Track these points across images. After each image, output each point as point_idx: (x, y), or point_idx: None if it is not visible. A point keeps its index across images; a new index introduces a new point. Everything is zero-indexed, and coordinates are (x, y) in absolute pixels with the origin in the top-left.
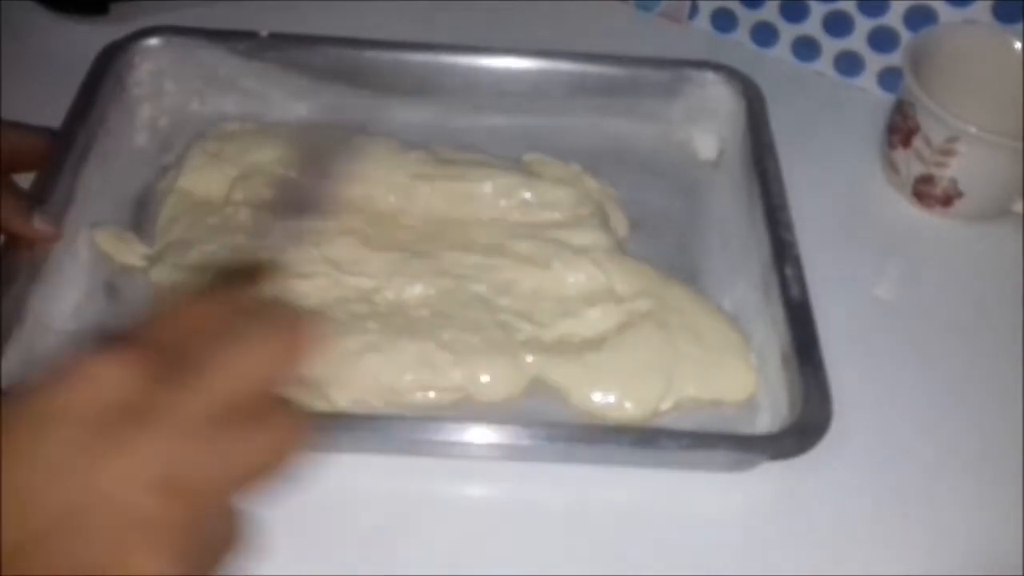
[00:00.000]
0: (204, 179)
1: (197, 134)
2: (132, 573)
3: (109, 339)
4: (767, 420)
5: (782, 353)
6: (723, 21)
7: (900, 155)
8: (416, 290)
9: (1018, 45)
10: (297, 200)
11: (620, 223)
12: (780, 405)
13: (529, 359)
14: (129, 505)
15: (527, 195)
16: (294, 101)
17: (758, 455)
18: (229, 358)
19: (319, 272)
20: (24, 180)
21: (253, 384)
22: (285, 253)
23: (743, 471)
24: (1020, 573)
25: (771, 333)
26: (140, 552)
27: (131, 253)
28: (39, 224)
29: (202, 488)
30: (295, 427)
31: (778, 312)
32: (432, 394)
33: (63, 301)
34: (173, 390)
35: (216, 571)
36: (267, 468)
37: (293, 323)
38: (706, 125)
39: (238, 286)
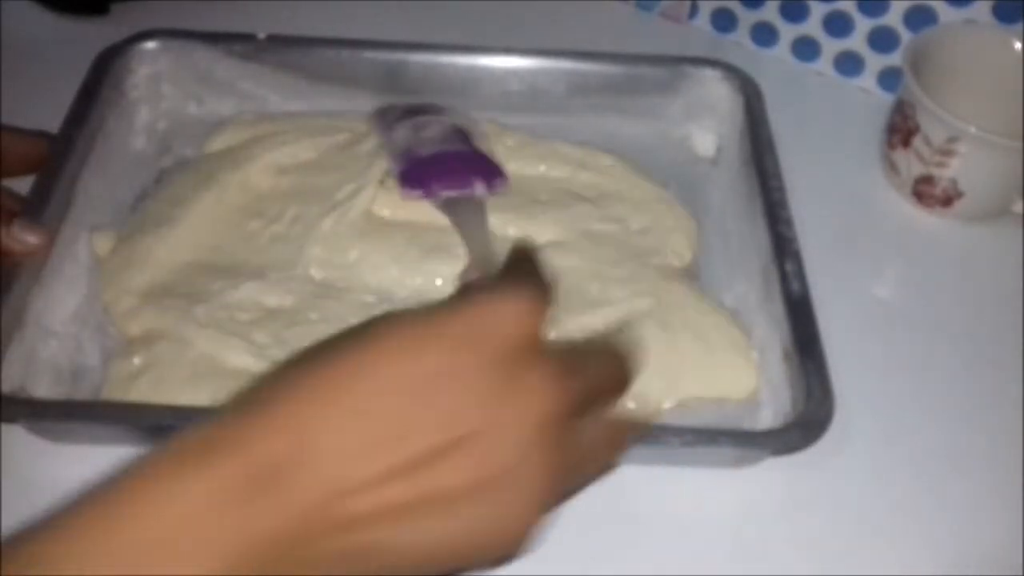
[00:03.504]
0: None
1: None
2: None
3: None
4: (769, 416)
5: (783, 349)
6: (723, 21)
7: (900, 155)
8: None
9: (1018, 45)
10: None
11: (683, 253)
12: (782, 401)
13: None
14: (521, 442)
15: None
16: (292, 103)
17: (761, 451)
18: (603, 358)
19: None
20: (23, 184)
21: (612, 392)
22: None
23: (746, 467)
24: (1020, 573)
25: (772, 329)
26: (522, 499)
27: None
28: (20, 233)
29: (574, 449)
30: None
31: (779, 308)
32: None
33: (63, 304)
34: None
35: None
36: (606, 459)
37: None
38: (705, 122)
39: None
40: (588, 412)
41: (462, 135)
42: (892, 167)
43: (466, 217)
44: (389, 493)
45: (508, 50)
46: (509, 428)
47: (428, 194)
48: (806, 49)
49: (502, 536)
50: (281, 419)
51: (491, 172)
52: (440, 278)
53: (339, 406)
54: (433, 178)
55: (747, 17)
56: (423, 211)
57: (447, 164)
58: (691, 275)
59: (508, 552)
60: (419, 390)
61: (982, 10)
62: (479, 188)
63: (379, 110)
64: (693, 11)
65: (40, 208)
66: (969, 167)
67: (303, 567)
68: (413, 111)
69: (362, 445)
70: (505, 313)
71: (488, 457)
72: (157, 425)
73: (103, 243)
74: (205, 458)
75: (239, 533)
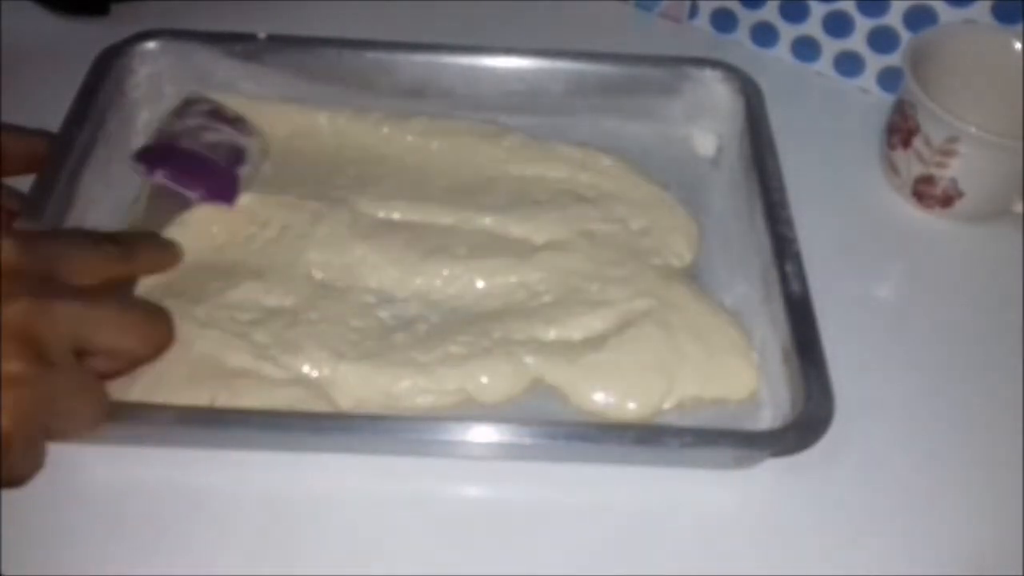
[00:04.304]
0: None
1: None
2: None
3: None
4: (769, 417)
5: (783, 350)
6: (723, 21)
7: (900, 155)
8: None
9: (1018, 45)
10: None
11: (683, 254)
12: (782, 402)
13: (529, 360)
14: None
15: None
16: (293, 103)
17: (760, 452)
18: (83, 254)
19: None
20: (24, 184)
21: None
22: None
23: (745, 468)
24: (1020, 573)
25: (772, 330)
26: None
27: None
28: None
29: (55, 343)
30: (136, 308)
31: (779, 309)
32: (431, 398)
33: None
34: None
35: (65, 437)
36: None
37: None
38: (705, 122)
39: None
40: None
41: (236, 154)
42: (892, 167)
43: (163, 209)
44: None
45: (508, 50)
46: None
47: (148, 174)
48: (806, 49)
49: None
50: None
51: (223, 190)
52: (440, 279)
53: None
54: (165, 167)
55: (747, 17)
56: (423, 212)
57: (191, 164)
58: (691, 275)
59: None
60: None
61: (982, 10)
62: (196, 194)
63: (191, 98)
64: (693, 11)
65: (40, 208)
66: (969, 167)
67: None
68: (218, 114)
69: None
70: None
71: None
72: (157, 424)
73: None
74: None
75: None
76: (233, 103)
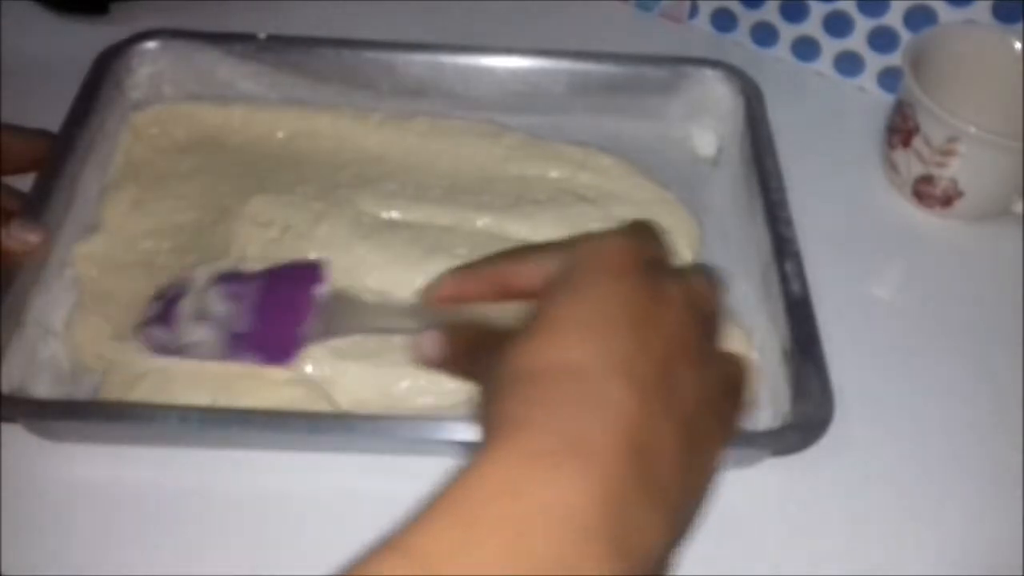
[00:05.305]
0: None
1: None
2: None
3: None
4: (769, 416)
5: (783, 349)
6: (723, 21)
7: (900, 155)
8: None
9: (1018, 45)
10: None
11: (683, 254)
12: (782, 402)
13: None
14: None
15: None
16: (293, 103)
17: (760, 451)
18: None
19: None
20: (24, 184)
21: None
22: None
23: (745, 467)
24: (1020, 573)
25: (772, 329)
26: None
27: None
28: (20, 233)
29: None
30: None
31: (778, 308)
32: (431, 399)
33: (62, 304)
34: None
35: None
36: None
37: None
38: (705, 122)
39: None
40: None
41: (236, 277)
42: (892, 167)
43: (342, 316)
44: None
45: (508, 50)
46: (686, 332)
47: (302, 346)
48: (806, 49)
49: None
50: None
51: (311, 272)
52: None
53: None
54: (284, 334)
55: (747, 17)
56: (423, 211)
57: (277, 313)
58: None
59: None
60: (631, 317)
61: (982, 10)
62: (318, 291)
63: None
64: (693, 11)
65: (40, 208)
66: (969, 167)
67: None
68: (163, 304)
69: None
70: (621, 243)
71: (702, 361)
72: (157, 424)
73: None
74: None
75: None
76: (233, 104)
